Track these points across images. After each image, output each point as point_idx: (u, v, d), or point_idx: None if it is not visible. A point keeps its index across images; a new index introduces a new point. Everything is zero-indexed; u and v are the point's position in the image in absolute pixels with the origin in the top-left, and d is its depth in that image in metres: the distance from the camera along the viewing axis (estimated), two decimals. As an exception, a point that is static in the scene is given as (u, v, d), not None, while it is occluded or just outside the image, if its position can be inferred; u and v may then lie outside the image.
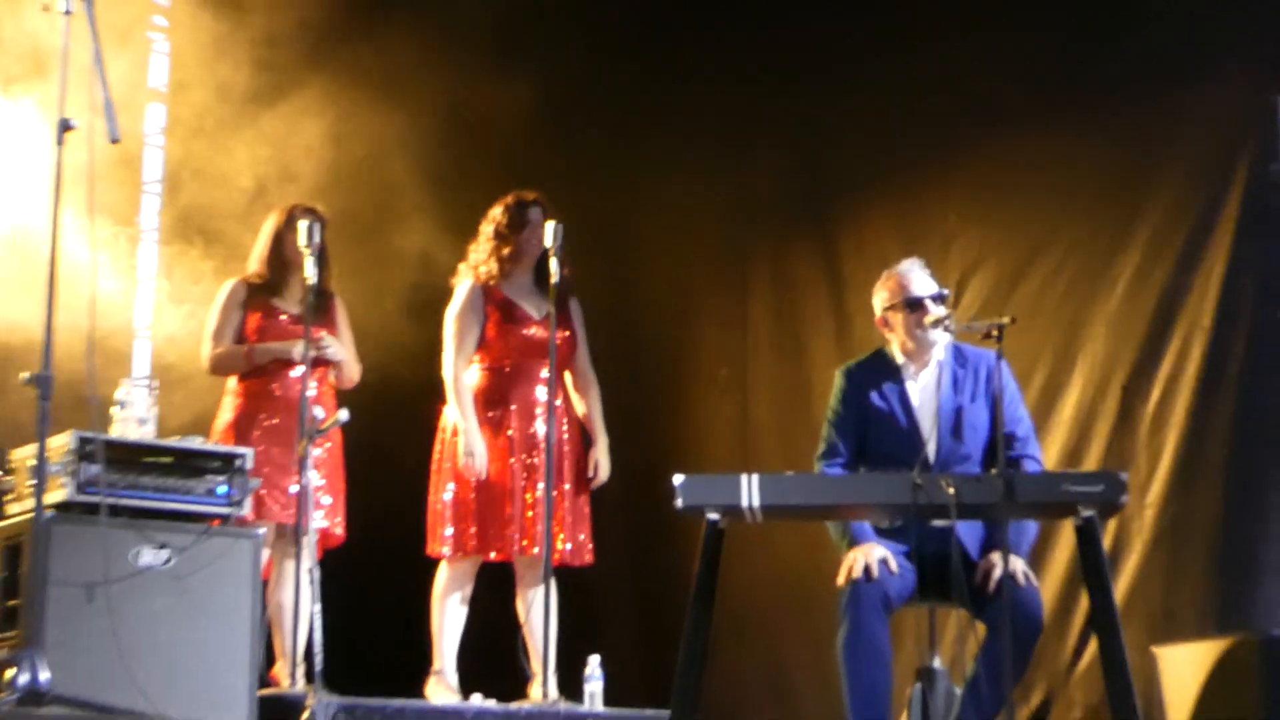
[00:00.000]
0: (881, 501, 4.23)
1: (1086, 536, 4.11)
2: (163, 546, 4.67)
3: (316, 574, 5.05)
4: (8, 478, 4.82)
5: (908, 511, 4.17)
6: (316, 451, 5.35)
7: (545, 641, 5.30)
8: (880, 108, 6.54)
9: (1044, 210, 6.09)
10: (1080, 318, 5.90)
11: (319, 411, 5.27)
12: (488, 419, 5.58)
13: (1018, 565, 4.46)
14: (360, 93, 6.59)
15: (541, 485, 5.43)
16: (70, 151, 4.39)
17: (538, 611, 5.35)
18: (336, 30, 6.74)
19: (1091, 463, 5.73)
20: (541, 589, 5.29)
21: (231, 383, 5.60)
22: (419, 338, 6.12)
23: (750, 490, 4.13)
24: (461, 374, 5.61)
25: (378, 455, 6.14)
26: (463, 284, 5.72)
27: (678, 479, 4.16)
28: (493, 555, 5.59)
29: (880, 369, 4.80)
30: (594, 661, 5.43)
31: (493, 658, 5.71)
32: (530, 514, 5.51)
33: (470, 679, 5.62)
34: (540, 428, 5.55)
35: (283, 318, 5.60)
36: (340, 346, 5.65)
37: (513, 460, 5.54)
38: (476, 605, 5.67)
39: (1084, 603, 5.42)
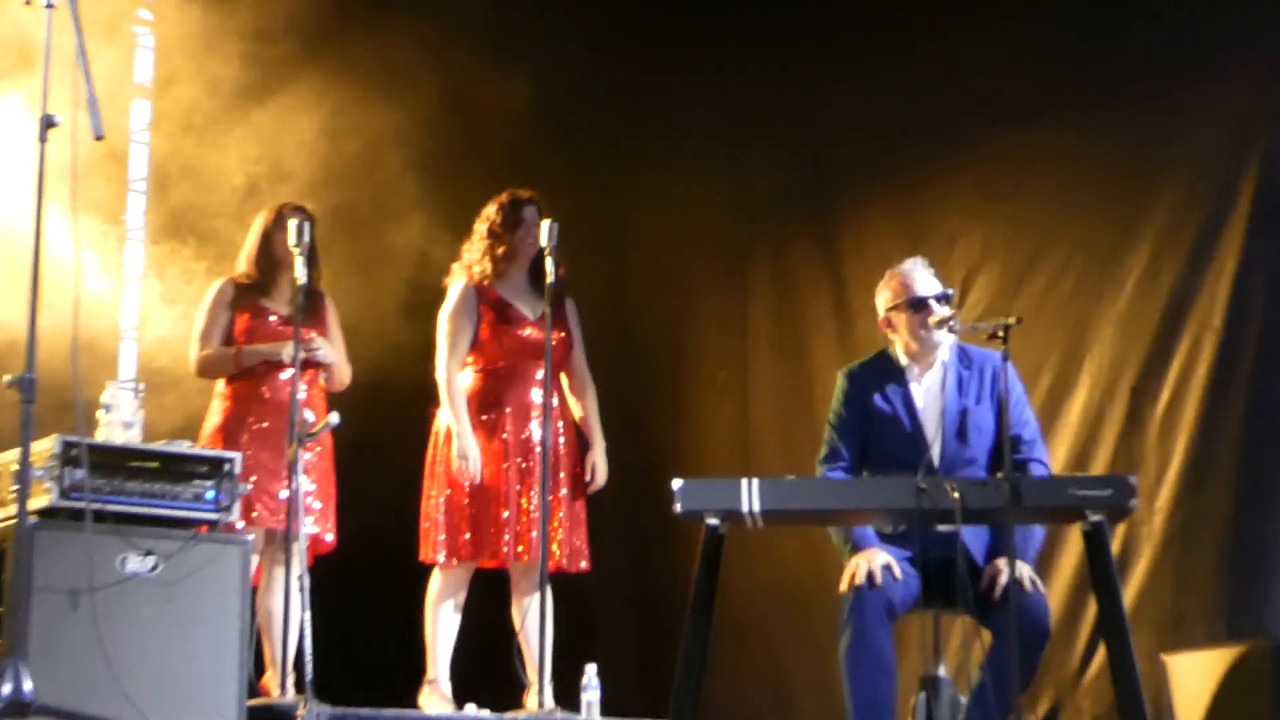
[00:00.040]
0: (885, 506, 4.23)
1: (1094, 541, 4.10)
2: (149, 553, 4.64)
3: (306, 581, 5.02)
4: (-10, 483, 4.80)
5: (912, 516, 4.16)
6: (307, 456, 5.33)
7: (541, 650, 5.29)
8: (882, 105, 6.55)
9: (1050, 208, 6.09)
10: (1087, 318, 5.90)
11: (309, 415, 5.25)
12: (482, 422, 5.57)
13: (1024, 571, 4.46)
14: (355, 88, 6.59)
15: (537, 490, 5.42)
16: (54, 148, 4.37)
17: (533, 619, 5.34)
18: (330, 24, 6.74)
19: (1099, 466, 5.73)
20: (537, 596, 5.28)
21: (220, 385, 5.58)
22: (413, 337, 6.11)
23: (750, 495, 4.12)
24: (455, 376, 5.59)
25: (369, 459, 6.13)
26: (456, 284, 5.70)
27: (676, 483, 4.15)
28: (487, 561, 5.58)
29: (883, 370, 4.80)
30: (591, 670, 5.41)
31: (487, 666, 5.70)
32: (525, 519, 5.49)
33: (464, 688, 5.61)
34: (535, 431, 5.53)
35: (272, 319, 5.58)
36: (331, 348, 5.64)
37: (507, 464, 5.52)
38: (470, 613, 5.66)
39: (1092, 609, 5.42)
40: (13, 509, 4.47)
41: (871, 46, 6.60)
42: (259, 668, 5.33)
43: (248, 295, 5.60)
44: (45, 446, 4.60)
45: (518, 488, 5.52)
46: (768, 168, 6.98)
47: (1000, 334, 4.27)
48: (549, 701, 5.32)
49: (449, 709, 5.46)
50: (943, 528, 4.27)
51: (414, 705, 5.52)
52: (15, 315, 4.49)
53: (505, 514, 5.49)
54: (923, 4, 6.48)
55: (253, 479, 5.32)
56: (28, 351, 4.25)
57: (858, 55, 6.63)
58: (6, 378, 4.29)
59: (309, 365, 5.51)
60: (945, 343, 4.73)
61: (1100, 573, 4.11)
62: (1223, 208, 5.59)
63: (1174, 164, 5.75)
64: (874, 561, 4.43)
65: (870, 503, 4.26)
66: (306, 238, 5.24)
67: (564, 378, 5.75)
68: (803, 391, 6.65)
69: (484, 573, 5.68)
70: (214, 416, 5.54)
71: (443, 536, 5.54)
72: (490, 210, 5.72)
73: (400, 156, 6.68)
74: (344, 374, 5.73)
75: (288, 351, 5.36)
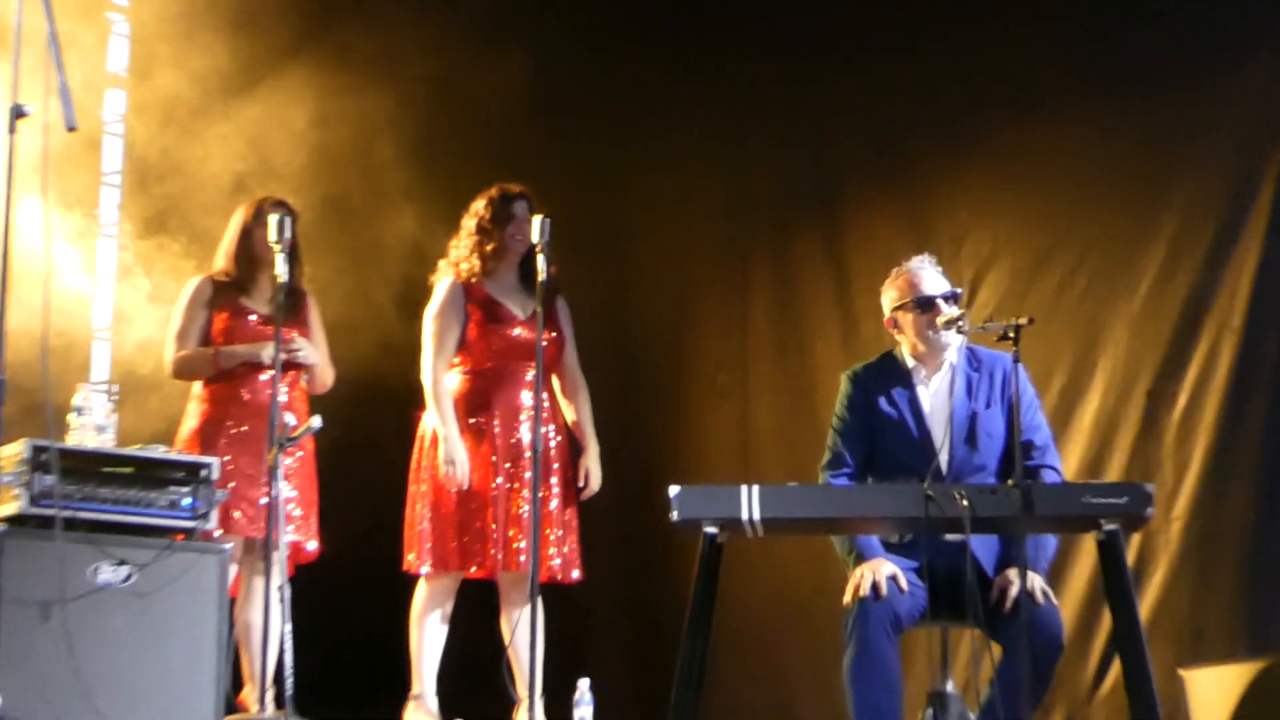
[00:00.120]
0: (891, 514, 4.22)
1: (1109, 551, 4.09)
2: (122, 563, 4.65)
3: (287, 592, 5.02)
4: (-43, 489, 4.79)
5: (919, 525, 4.16)
6: (287, 461, 5.32)
7: (532, 664, 5.27)
8: (885, 101, 6.57)
9: (1062, 204, 6.10)
10: (1101, 318, 5.91)
11: (290, 418, 5.25)
12: (469, 425, 5.56)
13: (1036, 582, 4.45)
14: (345, 76, 6.60)
15: (527, 496, 5.41)
16: (24, 139, 4.36)
17: (524, 631, 5.32)
18: (317, 11, 6.74)
19: (1114, 473, 5.75)
20: (527, 607, 5.25)
21: (197, 388, 5.57)
22: (404, 334, 6.09)
23: (750, 502, 4.11)
24: (441, 377, 5.58)
25: (354, 463, 6.13)
26: (443, 281, 5.69)
27: (673, 490, 4.15)
28: (475, 571, 5.57)
29: (889, 373, 4.79)
30: (584, 685, 5.40)
31: (476, 681, 5.69)
32: (515, 527, 5.48)
33: (451, 704, 5.60)
34: (526, 434, 5.52)
35: (251, 318, 5.57)
36: (313, 349, 5.63)
37: (496, 470, 5.51)
38: (458, 625, 5.65)
39: (1106, 622, 5.43)
40: (-20, 516, 4.47)
41: (874, 41, 6.62)
42: (237, 682, 5.33)
43: (226, 294, 5.59)
44: (14, 451, 4.60)
45: (507, 494, 5.51)
46: (769, 162, 6.98)
47: (1011, 335, 4.26)
48: (540, 717, 5.31)
49: (435, 726, 5.46)
50: (951, 537, 4.27)
51: (399, 721, 5.52)
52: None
53: (494, 522, 5.48)
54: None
55: (231, 485, 5.31)
56: (-4, 352, 4.24)
57: (860, 49, 6.65)
58: (-27, 379, 4.28)
59: (290, 367, 5.50)
60: (953, 344, 4.72)
61: (1115, 584, 4.11)
62: (1242, 203, 5.60)
63: (1191, 158, 5.75)
64: (879, 572, 4.42)
65: (875, 511, 4.25)
66: (288, 233, 5.22)
67: (555, 379, 5.75)
68: (805, 395, 6.65)
69: (472, 583, 5.67)
70: (191, 420, 5.53)
71: (428, 545, 5.53)
72: (479, 205, 5.71)
73: (392, 147, 6.69)
74: (326, 376, 5.72)
75: (268, 352, 5.35)
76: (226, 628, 4.82)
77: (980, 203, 6.32)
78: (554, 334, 5.67)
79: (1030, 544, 4.38)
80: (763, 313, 6.98)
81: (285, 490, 5.27)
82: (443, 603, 5.60)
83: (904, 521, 4.24)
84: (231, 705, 5.09)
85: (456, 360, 5.64)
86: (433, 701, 5.57)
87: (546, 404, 5.57)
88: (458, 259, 5.69)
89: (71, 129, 4.35)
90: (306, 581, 5.43)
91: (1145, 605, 5.50)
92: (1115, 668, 5.46)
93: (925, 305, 4.72)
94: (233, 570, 5.18)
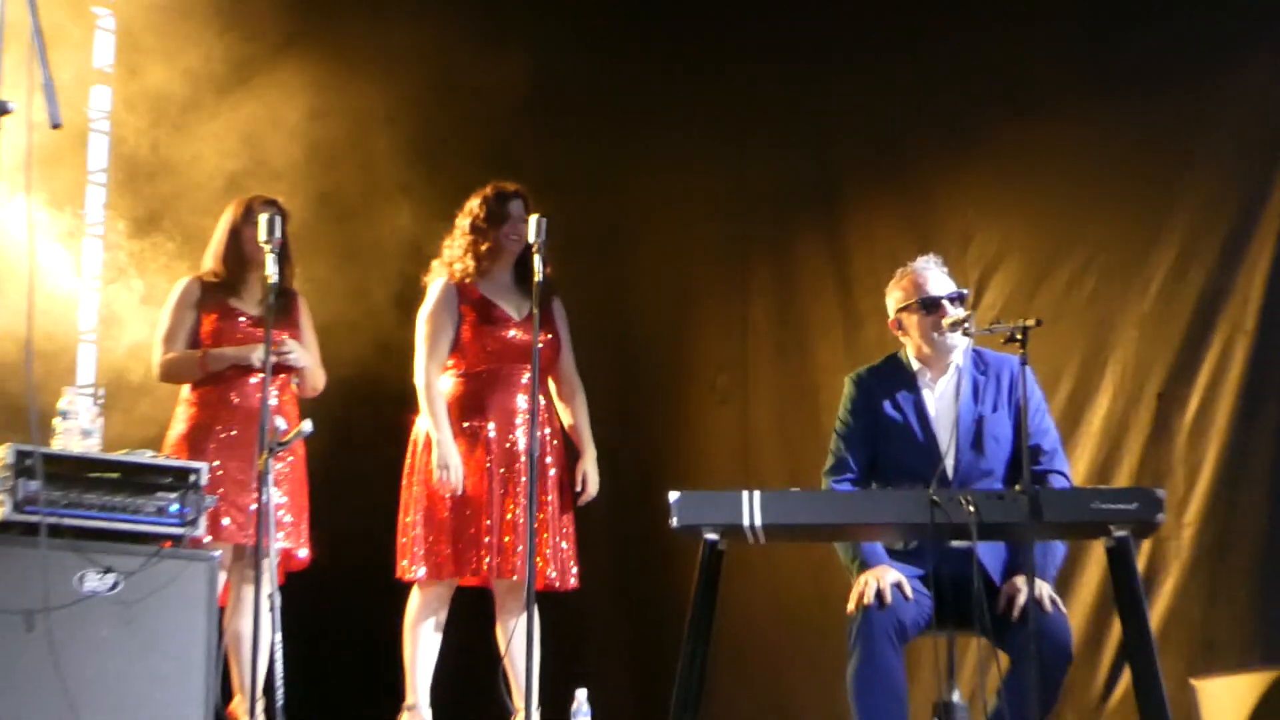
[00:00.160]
0: (895, 520, 4.22)
1: (1119, 558, 4.10)
2: (109, 570, 4.63)
3: (277, 600, 5.00)
4: (-62, 495, 4.78)
5: (924, 531, 4.16)
6: (278, 466, 5.32)
7: (528, 673, 5.25)
8: (887, 101, 6.59)
9: (1070, 203, 6.09)
10: (1110, 320, 5.91)
11: (280, 422, 5.24)
12: (463, 429, 5.54)
13: (1044, 590, 4.45)
14: (342, 71, 6.60)
15: (522, 502, 5.39)
16: (8, 136, 4.34)
17: (519, 640, 5.32)
18: (312, 4, 6.74)
19: (1124, 478, 5.74)
20: (523, 616, 5.24)
21: (185, 391, 5.56)
22: (399, 334, 6.08)
23: (751, 508, 4.12)
24: (435, 380, 5.56)
25: (346, 468, 6.12)
26: (436, 282, 5.67)
27: (673, 496, 4.15)
28: (469, 578, 5.55)
29: (893, 376, 4.79)
30: (581, 695, 5.38)
31: (470, 691, 5.69)
32: (510, 534, 5.46)
33: (446, 714, 5.59)
34: (521, 438, 5.50)
35: (241, 319, 5.55)
36: (303, 351, 5.61)
37: (490, 475, 5.50)
38: (452, 633, 5.63)
39: (1116, 630, 5.42)
40: (-38, 523, 4.46)
41: (874, 41, 6.64)
42: (226, 693, 5.32)
43: (215, 295, 5.58)
44: (-3, 456, 4.59)
45: (502, 499, 5.49)
46: (771, 160, 6.99)
47: (1018, 337, 4.26)
48: (536, 729, 5.30)
49: (429, 737, 5.45)
50: (957, 543, 4.26)
51: (392, 733, 5.50)
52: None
53: (488, 528, 5.46)
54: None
55: (220, 491, 5.30)
56: (-21, 355, 4.24)
57: (860, 49, 6.67)
58: (-45, 383, 4.28)
59: (280, 369, 5.49)
60: (959, 346, 4.71)
61: (1125, 592, 4.11)
62: (1255, 202, 5.60)
63: (1202, 157, 5.75)
64: (884, 580, 4.41)
65: (880, 517, 4.25)
66: (278, 233, 5.19)
67: (551, 382, 5.73)
68: (807, 398, 6.65)
69: (466, 591, 5.65)
70: (179, 424, 5.51)
71: (421, 551, 5.51)
72: (473, 204, 5.69)
73: (391, 145, 6.69)
74: (317, 379, 5.71)
75: (257, 355, 5.35)
76: (215, 637, 4.80)
77: (987, 203, 6.33)
78: (550, 336, 5.66)
79: (1038, 551, 4.37)
80: (763, 314, 6.98)
81: (275, 496, 5.27)
82: (437, 611, 5.59)
83: (909, 528, 4.24)
84: (221, 716, 5.07)
85: (450, 363, 5.62)
86: (427, 712, 5.55)
87: (543, 407, 5.56)
88: (451, 259, 5.67)
89: (56, 126, 4.34)
90: (297, 589, 5.43)
91: (1156, 613, 5.50)
92: (1125, 678, 5.46)
93: (931, 306, 4.71)
94: (222, 578, 5.17)
